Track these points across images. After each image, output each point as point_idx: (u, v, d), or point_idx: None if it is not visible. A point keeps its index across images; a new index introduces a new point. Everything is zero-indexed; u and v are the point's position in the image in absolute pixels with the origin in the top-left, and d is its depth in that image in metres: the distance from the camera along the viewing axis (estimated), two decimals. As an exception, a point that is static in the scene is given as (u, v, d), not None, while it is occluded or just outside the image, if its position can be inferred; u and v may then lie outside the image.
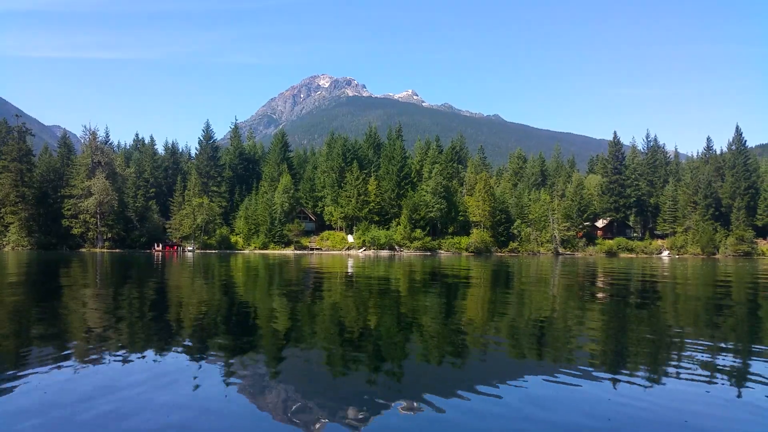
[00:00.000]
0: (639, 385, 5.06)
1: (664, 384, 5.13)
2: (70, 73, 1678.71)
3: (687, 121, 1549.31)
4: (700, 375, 5.46)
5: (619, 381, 5.21)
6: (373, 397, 4.67)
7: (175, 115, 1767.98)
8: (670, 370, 5.70)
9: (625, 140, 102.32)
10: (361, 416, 4.21)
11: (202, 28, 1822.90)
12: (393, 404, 4.48)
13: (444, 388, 4.94)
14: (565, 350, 6.71)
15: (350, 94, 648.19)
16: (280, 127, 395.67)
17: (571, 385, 5.04)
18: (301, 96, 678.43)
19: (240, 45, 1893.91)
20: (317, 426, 4.04)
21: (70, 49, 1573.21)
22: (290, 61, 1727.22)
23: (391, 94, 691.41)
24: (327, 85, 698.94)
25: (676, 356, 6.39)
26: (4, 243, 70.34)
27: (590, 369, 5.62)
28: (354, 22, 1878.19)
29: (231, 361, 5.97)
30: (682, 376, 5.42)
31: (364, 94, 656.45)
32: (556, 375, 5.36)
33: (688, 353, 6.49)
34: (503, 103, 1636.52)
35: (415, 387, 5.03)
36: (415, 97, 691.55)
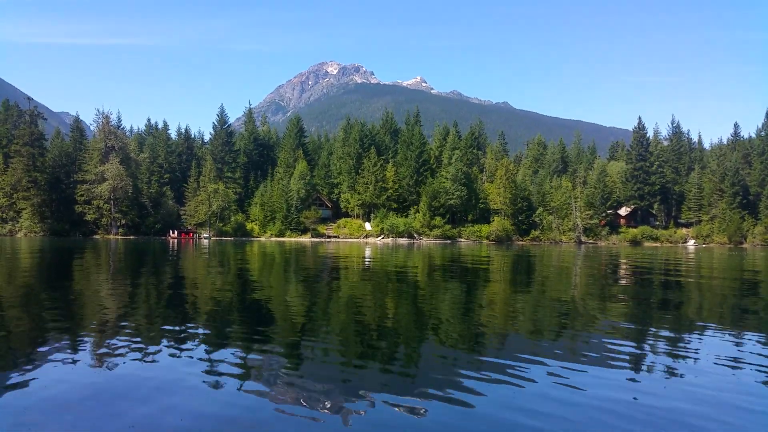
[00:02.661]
0: (656, 384, 4.92)
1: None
2: (77, 60, 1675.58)
3: (708, 108, 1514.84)
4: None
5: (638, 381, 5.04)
6: (385, 390, 4.64)
7: (182, 101, 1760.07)
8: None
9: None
10: (371, 409, 4.19)
11: (208, 15, 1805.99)
12: (403, 398, 4.46)
13: (456, 381, 4.88)
14: (584, 349, 6.38)
15: (358, 81, 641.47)
16: (288, 114, 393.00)
17: (587, 381, 4.96)
18: (309, 83, 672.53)
19: (247, 31, 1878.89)
20: (328, 418, 4.01)
21: (76, 36, 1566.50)
22: (298, 48, 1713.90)
23: (399, 81, 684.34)
24: (335, 72, 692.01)
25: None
26: (17, 229, 69.29)
27: (608, 367, 5.49)
28: (362, 8, 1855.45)
29: (245, 352, 5.94)
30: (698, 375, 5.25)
31: (372, 81, 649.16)
32: (572, 375, 5.13)
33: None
34: (512, 90, 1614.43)
35: (428, 380, 4.95)
36: (423, 84, 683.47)
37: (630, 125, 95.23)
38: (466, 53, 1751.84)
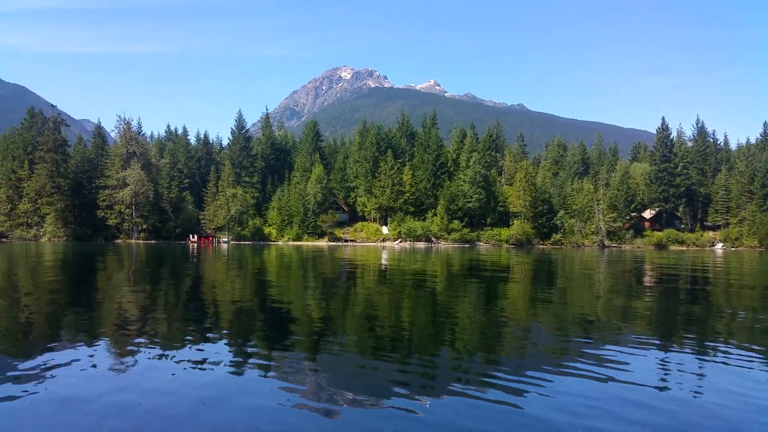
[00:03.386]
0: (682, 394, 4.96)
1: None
2: (97, 68, 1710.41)
3: (733, 109, 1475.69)
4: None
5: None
6: (403, 394, 4.72)
7: (199, 107, 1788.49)
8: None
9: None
10: (388, 411, 4.29)
11: (221, 21, 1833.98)
12: (419, 402, 4.54)
13: (470, 387, 4.99)
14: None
15: (372, 85, 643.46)
16: (303, 119, 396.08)
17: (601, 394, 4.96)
18: (323, 88, 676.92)
19: (261, 37, 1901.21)
20: (344, 419, 4.09)
21: (96, 45, 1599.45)
22: (312, 54, 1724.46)
23: (413, 84, 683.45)
24: (348, 76, 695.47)
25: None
26: (41, 234, 70.44)
27: (628, 387, 5.30)
28: (375, 12, 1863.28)
29: (266, 355, 6.12)
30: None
31: (385, 86, 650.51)
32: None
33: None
34: (527, 92, 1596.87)
35: (445, 384, 5.07)
36: (437, 87, 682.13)
37: (649, 127, 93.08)
38: (479, 55, 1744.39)
